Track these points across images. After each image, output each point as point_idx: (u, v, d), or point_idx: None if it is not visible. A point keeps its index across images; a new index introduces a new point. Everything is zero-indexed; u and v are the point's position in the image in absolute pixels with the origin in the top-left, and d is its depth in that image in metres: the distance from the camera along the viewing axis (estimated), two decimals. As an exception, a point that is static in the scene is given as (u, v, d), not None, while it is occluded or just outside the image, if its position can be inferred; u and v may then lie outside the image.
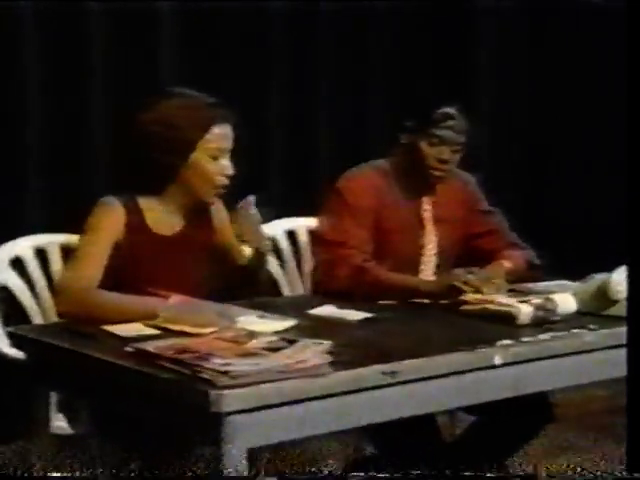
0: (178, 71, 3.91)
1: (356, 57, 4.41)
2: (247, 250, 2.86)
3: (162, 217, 2.74)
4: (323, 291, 2.99)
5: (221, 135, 2.71)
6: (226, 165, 2.72)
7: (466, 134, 3.08)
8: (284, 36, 4.20)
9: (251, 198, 2.77)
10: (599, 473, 2.85)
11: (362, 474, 2.95)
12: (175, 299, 2.53)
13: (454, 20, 4.66)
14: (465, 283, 2.82)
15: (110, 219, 2.67)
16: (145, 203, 2.73)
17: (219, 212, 2.87)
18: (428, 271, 3.16)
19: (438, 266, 3.16)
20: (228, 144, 2.73)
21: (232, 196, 2.85)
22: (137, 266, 2.66)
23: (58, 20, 3.68)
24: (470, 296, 2.77)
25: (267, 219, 2.89)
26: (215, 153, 2.70)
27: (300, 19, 4.22)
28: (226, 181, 2.73)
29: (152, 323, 2.45)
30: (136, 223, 2.70)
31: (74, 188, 3.66)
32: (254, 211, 2.76)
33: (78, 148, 3.76)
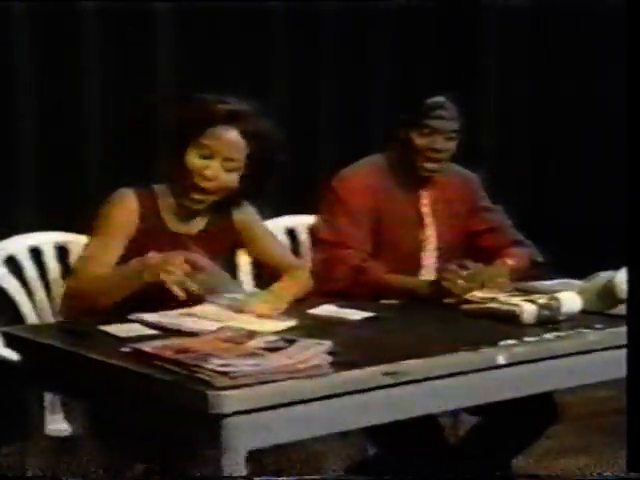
0: (177, 71, 3.89)
1: (357, 56, 4.40)
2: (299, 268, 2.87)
3: (180, 213, 2.71)
4: (321, 291, 2.96)
5: (218, 136, 2.64)
6: (210, 166, 2.63)
7: (458, 121, 3.06)
8: (284, 35, 4.20)
9: None
10: (605, 474, 2.83)
11: (364, 476, 2.92)
12: (152, 254, 2.50)
13: (456, 20, 4.66)
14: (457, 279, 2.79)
15: (124, 213, 2.64)
16: (164, 195, 2.70)
17: (247, 215, 2.83)
18: (429, 266, 3.14)
19: (440, 261, 3.13)
20: (224, 148, 2.64)
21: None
22: None
23: (52, 19, 3.66)
24: (473, 295, 2.74)
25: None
26: (205, 152, 2.64)
27: (300, 18, 4.21)
28: (205, 184, 2.64)
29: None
30: (151, 219, 2.67)
31: (69, 187, 3.65)
32: None
33: (73, 146, 3.74)
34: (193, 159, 2.64)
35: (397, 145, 3.12)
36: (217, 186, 2.66)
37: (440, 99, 3.07)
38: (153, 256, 2.50)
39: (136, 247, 2.62)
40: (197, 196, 2.66)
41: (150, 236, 2.65)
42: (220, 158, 2.64)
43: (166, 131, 2.73)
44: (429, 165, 3.08)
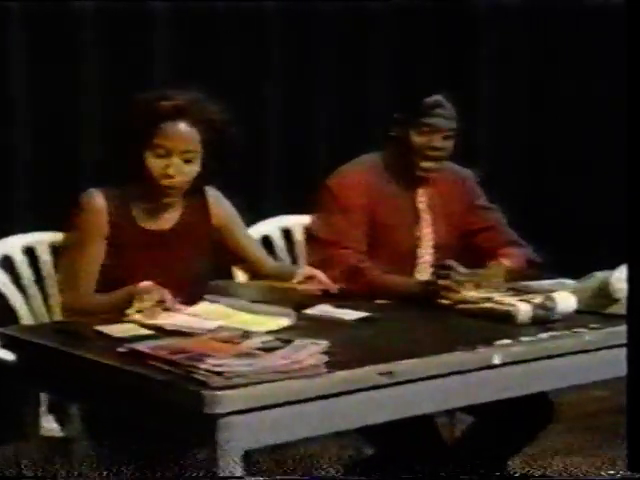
0: (174, 71, 3.89)
1: (355, 56, 4.40)
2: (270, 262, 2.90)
3: (152, 210, 2.74)
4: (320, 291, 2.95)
5: (171, 133, 2.65)
6: (169, 164, 2.65)
7: (456, 120, 3.06)
8: (282, 35, 4.20)
9: None
10: (600, 474, 2.83)
11: (361, 477, 2.92)
12: (145, 284, 2.54)
13: (455, 20, 4.66)
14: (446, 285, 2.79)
15: (94, 216, 2.67)
16: (135, 193, 2.72)
17: (219, 206, 2.85)
18: (426, 264, 3.13)
19: (436, 259, 3.12)
20: (179, 144, 2.66)
21: (232, 192, 2.82)
22: (125, 261, 2.67)
23: (47, 20, 3.66)
24: (469, 295, 2.74)
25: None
26: (160, 151, 2.65)
27: (298, 17, 4.20)
28: (169, 182, 2.66)
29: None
30: (122, 218, 2.70)
31: (64, 187, 3.64)
32: None
33: (67, 147, 3.74)
34: (152, 161, 2.66)
35: (394, 143, 3.11)
36: (181, 180, 2.69)
37: (438, 97, 3.07)
38: (143, 285, 2.54)
39: (112, 247, 2.67)
40: (165, 195, 2.71)
41: (123, 235, 2.69)
42: (177, 153, 2.66)
43: (121, 131, 2.72)
44: (427, 164, 3.07)
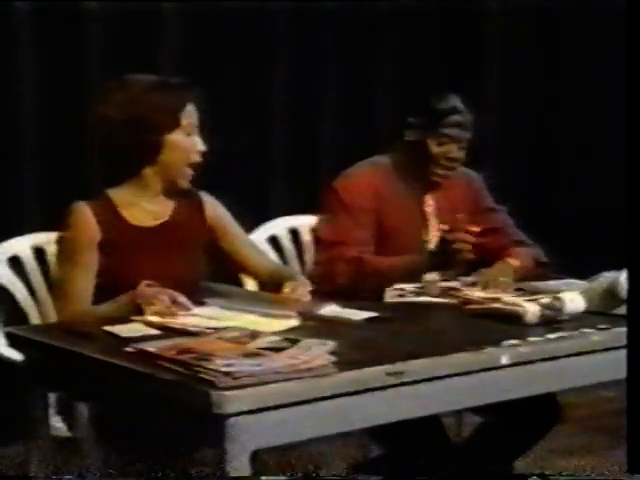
0: (180, 71, 3.88)
1: (360, 56, 4.40)
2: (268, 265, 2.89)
3: (142, 208, 2.75)
4: (325, 291, 2.94)
5: (192, 112, 2.74)
6: (199, 141, 2.75)
7: (472, 129, 3.05)
8: (287, 34, 4.19)
9: None
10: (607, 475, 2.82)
11: (368, 476, 2.92)
12: (142, 286, 2.54)
13: (460, 20, 4.65)
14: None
15: (81, 226, 2.68)
16: (119, 195, 2.74)
17: (214, 209, 2.86)
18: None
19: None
20: (197, 121, 2.75)
21: (235, 193, 2.82)
22: (121, 261, 2.66)
23: (54, 17, 3.66)
24: (476, 295, 2.74)
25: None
26: (189, 129, 2.72)
27: (304, 16, 4.20)
28: (199, 158, 2.74)
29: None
30: (110, 219, 2.70)
31: (72, 187, 3.64)
32: None
33: (76, 146, 3.74)
34: (183, 140, 2.71)
35: (407, 147, 3.10)
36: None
37: (455, 102, 3.05)
38: (141, 289, 2.54)
39: (106, 250, 2.67)
40: (187, 176, 2.76)
41: (116, 236, 2.69)
42: (196, 130, 2.75)
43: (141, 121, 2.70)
44: (441, 171, 3.07)
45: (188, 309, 2.50)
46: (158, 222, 2.77)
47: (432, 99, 3.07)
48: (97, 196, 2.74)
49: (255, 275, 2.94)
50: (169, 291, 2.52)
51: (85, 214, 2.69)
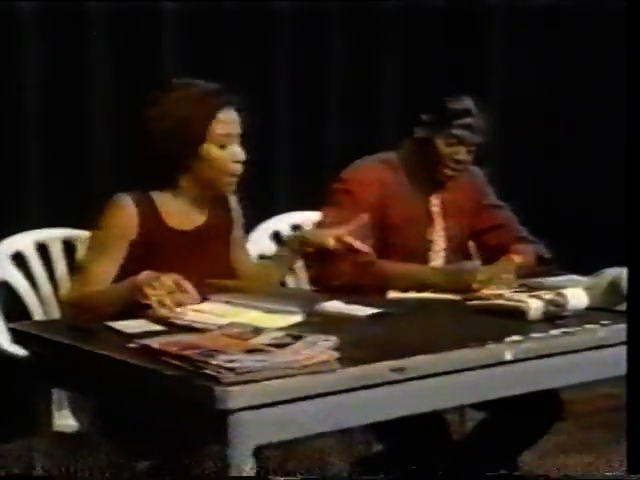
0: (183, 71, 3.89)
1: (365, 54, 4.40)
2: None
3: (180, 212, 2.71)
4: (323, 284, 2.94)
5: (227, 121, 2.67)
6: (236, 151, 2.68)
7: (483, 132, 3.04)
8: (290, 35, 4.21)
9: None
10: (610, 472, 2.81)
11: (369, 474, 2.91)
12: (144, 273, 2.49)
13: (464, 19, 4.65)
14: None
15: (122, 218, 2.64)
16: (160, 199, 2.70)
17: (236, 209, 2.86)
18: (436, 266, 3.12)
19: (447, 262, 3.12)
20: (235, 129, 2.69)
21: (239, 189, 2.82)
22: (155, 262, 2.59)
23: (58, 19, 3.66)
24: (480, 291, 2.74)
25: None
26: (223, 140, 2.67)
27: (310, 13, 4.21)
28: (239, 167, 2.69)
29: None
30: (151, 219, 2.66)
31: (75, 183, 3.65)
32: None
33: (79, 142, 3.74)
34: (215, 152, 2.66)
35: (416, 144, 3.09)
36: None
37: (469, 104, 3.03)
38: (143, 274, 2.50)
39: (139, 249, 2.64)
40: (228, 185, 2.71)
41: (153, 237, 2.66)
42: (235, 139, 2.69)
43: (172, 132, 2.68)
44: (448, 172, 3.07)
45: (191, 294, 2.48)
46: (194, 226, 2.74)
47: (446, 99, 3.05)
48: (140, 194, 2.69)
49: (239, 275, 2.88)
50: (175, 275, 2.48)
51: (128, 207, 2.65)
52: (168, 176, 2.69)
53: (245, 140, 2.71)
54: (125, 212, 2.64)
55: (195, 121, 2.63)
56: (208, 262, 2.69)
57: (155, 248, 2.64)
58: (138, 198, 2.67)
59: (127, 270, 2.61)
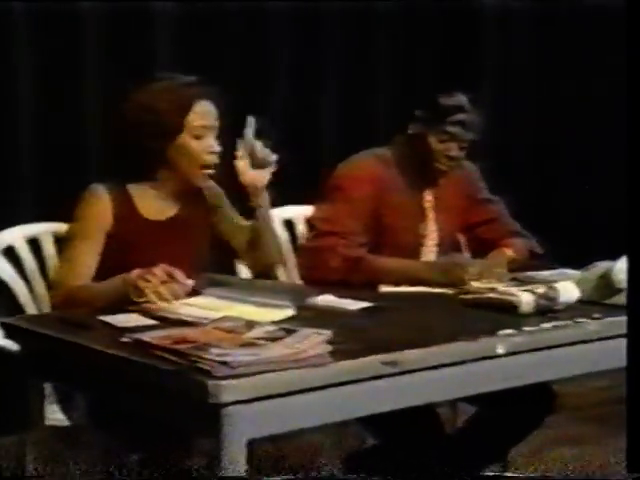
0: (177, 69, 3.89)
1: (360, 54, 4.42)
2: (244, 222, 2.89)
3: (155, 203, 2.74)
4: (313, 279, 2.94)
5: (203, 112, 2.69)
6: (211, 143, 2.70)
7: (476, 129, 3.04)
8: (287, 35, 4.22)
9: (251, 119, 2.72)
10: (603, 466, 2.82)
11: (362, 470, 2.91)
12: (135, 271, 2.50)
13: (459, 18, 4.66)
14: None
15: (97, 208, 2.67)
16: (135, 189, 2.73)
17: (212, 190, 2.86)
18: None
19: (439, 256, 3.12)
20: (212, 121, 2.71)
21: (231, 184, 2.83)
22: (131, 253, 2.64)
23: (50, 19, 3.67)
24: (471, 285, 2.74)
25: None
26: (199, 132, 2.69)
27: (305, 12, 4.22)
28: (213, 159, 2.71)
29: None
30: (126, 210, 2.69)
31: (66, 176, 3.64)
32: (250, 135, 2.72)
33: (70, 136, 3.74)
34: (192, 143, 2.68)
35: (409, 140, 3.09)
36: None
37: (462, 101, 3.03)
38: (135, 272, 2.50)
39: (116, 241, 2.66)
40: (202, 177, 2.73)
41: (127, 228, 2.68)
42: (212, 131, 2.71)
43: (147, 123, 2.68)
44: (441, 168, 3.07)
45: (183, 284, 2.49)
46: (167, 216, 2.76)
47: (439, 95, 3.05)
48: (115, 185, 2.71)
49: (237, 250, 2.91)
50: (163, 265, 2.49)
51: (102, 197, 2.67)
52: (145, 168, 2.71)
53: (226, 122, 2.73)
54: (99, 202, 2.67)
55: (171, 112, 2.65)
56: (182, 251, 2.70)
57: (129, 238, 2.67)
58: (112, 188, 2.70)
59: (105, 262, 2.64)
